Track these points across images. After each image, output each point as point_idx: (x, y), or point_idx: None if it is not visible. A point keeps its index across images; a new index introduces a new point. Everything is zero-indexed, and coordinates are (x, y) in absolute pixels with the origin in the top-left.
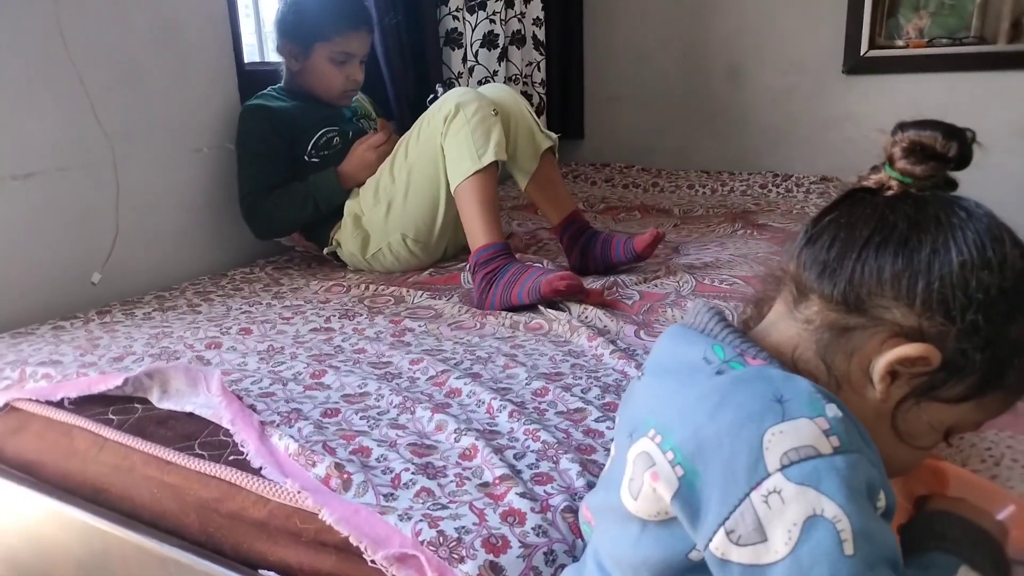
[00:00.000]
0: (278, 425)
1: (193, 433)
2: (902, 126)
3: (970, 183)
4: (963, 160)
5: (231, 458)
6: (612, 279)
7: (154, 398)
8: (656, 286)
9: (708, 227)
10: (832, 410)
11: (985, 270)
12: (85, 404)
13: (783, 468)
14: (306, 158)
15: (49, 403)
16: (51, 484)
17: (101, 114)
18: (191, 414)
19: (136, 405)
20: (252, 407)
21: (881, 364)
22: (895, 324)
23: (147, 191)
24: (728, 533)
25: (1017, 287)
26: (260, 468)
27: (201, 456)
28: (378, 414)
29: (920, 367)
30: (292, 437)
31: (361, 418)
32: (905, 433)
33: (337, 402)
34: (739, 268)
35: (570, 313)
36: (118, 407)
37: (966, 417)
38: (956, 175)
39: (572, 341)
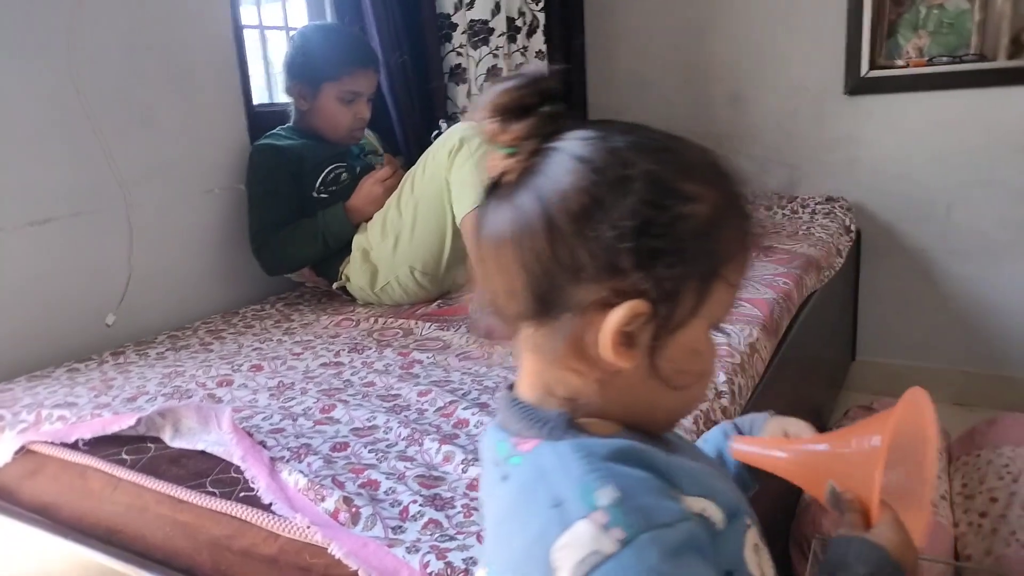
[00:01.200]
0: (288, 461)
1: (205, 471)
2: (478, 98)
3: (977, 198)
4: (554, 94)
5: (242, 495)
6: None
7: (166, 437)
8: None
9: None
10: (606, 495)
11: (610, 194)
12: (99, 445)
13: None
14: (315, 195)
15: (64, 445)
16: (67, 526)
17: (115, 159)
18: (203, 452)
19: (149, 444)
20: (262, 443)
21: (603, 345)
22: (588, 303)
23: (160, 233)
24: None
25: (654, 184)
26: (270, 504)
27: (212, 493)
28: (387, 447)
29: (640, 320)
30: (301, 472)
31: (370, 451)
32: (680, 374)
33: (346, 436)
34: (746, 291)
35: None
36: (132, 447)
37: (719, 306)
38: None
39: None
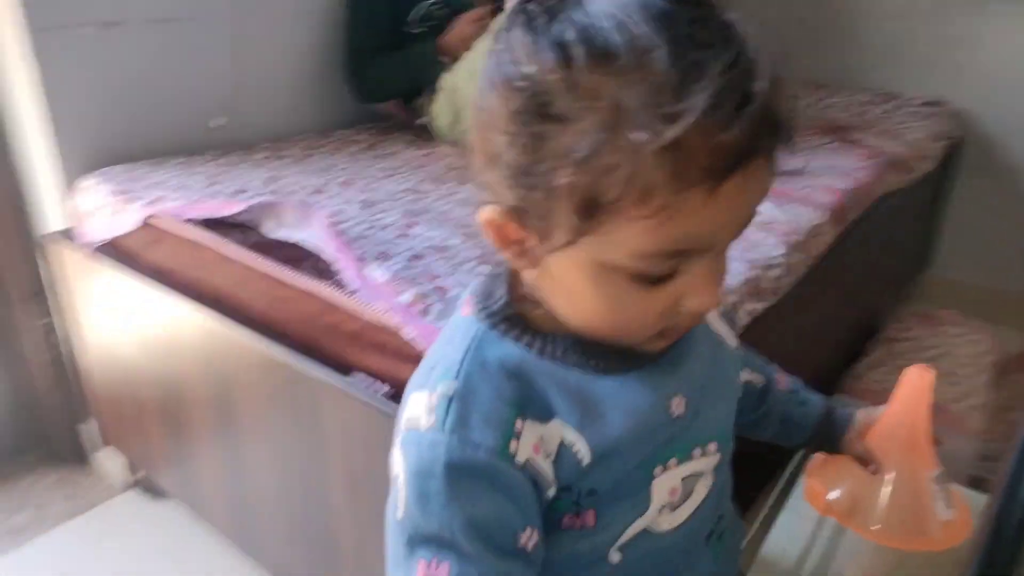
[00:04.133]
0: (372, 260)
1: (300, 259)
2: None
3: None
4: None
5: (331, 281)
6: None
7: (268, 228)
8: None
9: (799, 137)
10: (448, 386)
11: (500, 98)
12: (211, 225)
13: (404, 430)
14: (410, 29)
15: (180, 220)
16: (181, 289)
17: None
18: (297, 244)
19: (251, 232)
20: (351, 243)
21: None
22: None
23: (263, 47)
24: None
25: (533, 95)
26: (355, 291)
27: (308, 277)
28: (458, 263)
29: (504, 228)
30: (384, 270)
31: (444, 264)
32: (570, 302)
33: (423, 250)
34: (823, 179)
35: None
36: (237, 231)
37: (621, 251)
38: None
39: None
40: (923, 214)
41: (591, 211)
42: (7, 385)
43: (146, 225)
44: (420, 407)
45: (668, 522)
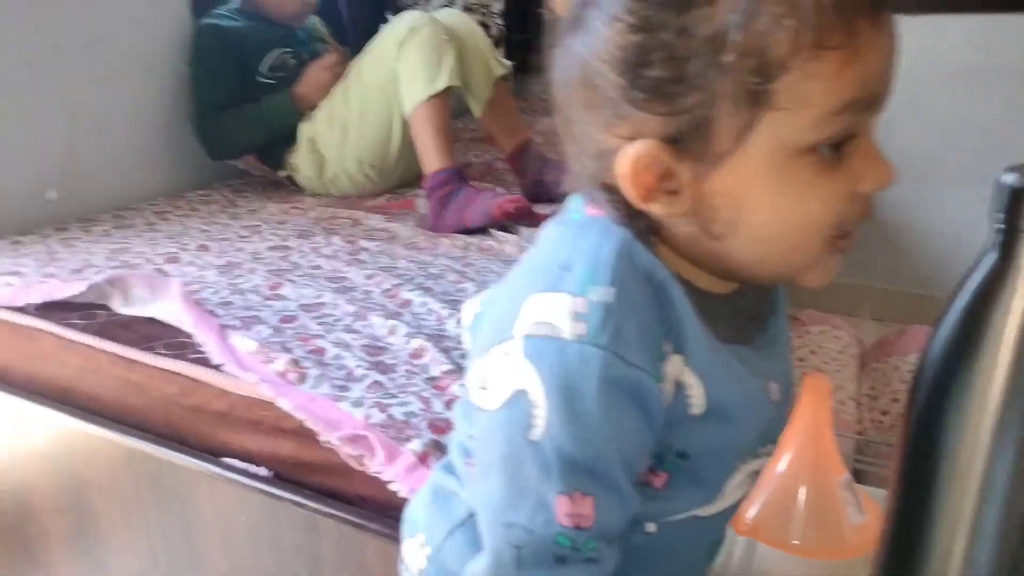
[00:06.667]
0: (238, 329)
1: (156, 335)
2: None
3: (910, 123)
4: None
5: (192, 357)
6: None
7: (116, 305)
8: None
9: None
10: (603, 293)
11: (608, 28)
12: (49, 310)
13: (526, 336)
14: (260, 79)
15: (13, 309)
16: (18, 387)
17: (52, 29)
18: (152, 319)
19: (98, 311)
20: (212, 312)
21: (629, 196)
22: (610, 149)
23: (99, 109)
24: (475, 373)
25: (645, 2)
26: (220, 365)
27: (164, 355)
28: (333, 321)
29: (654, 163)
30: (251, 339)
31: (318, 324)
32: (747, 214)
33: (294, 311)
34: None
35: (520, 236)
36: (81, 313)
37: (803, 121)
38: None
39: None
40: None
41: (764, 83)
42: None
43: None
44: (559, 311)
45: (712, 507)
